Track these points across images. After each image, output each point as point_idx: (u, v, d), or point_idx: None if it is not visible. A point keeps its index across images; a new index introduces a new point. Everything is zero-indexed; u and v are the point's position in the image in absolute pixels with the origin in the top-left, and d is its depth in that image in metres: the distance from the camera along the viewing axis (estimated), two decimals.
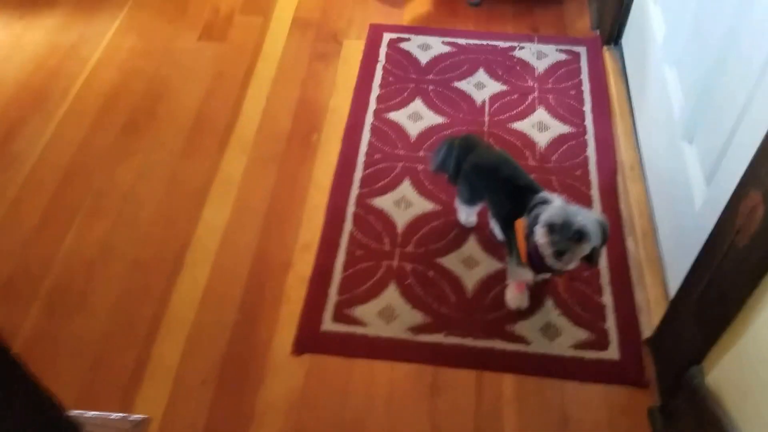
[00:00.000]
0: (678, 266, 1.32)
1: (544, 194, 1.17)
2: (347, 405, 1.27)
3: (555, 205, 1.13)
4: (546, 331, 1.36)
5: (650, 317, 1.36)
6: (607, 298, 1.41)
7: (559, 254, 1.12)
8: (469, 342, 1.35)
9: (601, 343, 1.34)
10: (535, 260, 1.19)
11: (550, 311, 1.39)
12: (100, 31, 2.10)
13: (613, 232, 1.41)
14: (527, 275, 1.29)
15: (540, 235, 1.13)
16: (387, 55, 2.01)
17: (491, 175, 1.33)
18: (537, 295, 1.41)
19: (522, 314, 1.39)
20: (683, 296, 1.14)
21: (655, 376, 1.29)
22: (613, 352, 1.33)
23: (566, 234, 1.10)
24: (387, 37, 2.07)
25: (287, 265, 1.50)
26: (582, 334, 1.35)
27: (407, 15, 2.16)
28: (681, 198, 1.31)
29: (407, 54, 2.01)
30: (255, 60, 1.99)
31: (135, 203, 1.63)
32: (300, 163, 1.71)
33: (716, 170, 1.16)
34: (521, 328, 1.37)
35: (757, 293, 0.87)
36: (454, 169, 1.41)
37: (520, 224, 1.20)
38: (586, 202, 1.60)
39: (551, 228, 1.11)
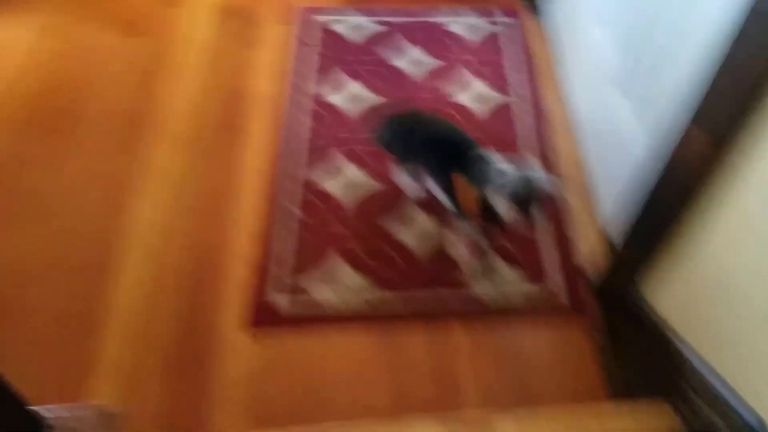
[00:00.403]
0: (612, 203, 1.60)
1: (489, 155, 1.36)
2: (307, 369, 1.44)
3: (514, 174, 1.33)
4: (490, 275, 1.60)
5: (587, 253, 1.60)
6: (546, 240, 1.65)
7: (524, 211, 1.34)
8: (418, 295, 1.54)
9: (543, 281, 1.56)
10: (480, 213, 1.41)
11: (492, 257, 1.64)
12: (20, 36, 2.23)
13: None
14: (473, 228, 1.50)
15: (503, 205, 1.34)
16: (319, 38, 2.21)
17: (427, 131, 1.53)
18: (480, 245, 1.63)
19: (468, 265, 1.60)
20: (623, 230, 1.39)
21: (595, 304, 1.53)
22: (554, 288, 1.55)
23: (527, 200, 1.33)
24: (318, 19, 2.27)
25: (231, 251, 1.65)
26: (522, 272, 1.59)
27: None
28: (616, 145, 1.55)
29: (340, 36, 2.23)
30: (181, 51, 2.15)
31: (68, 205, 1.75)
32: (235, 151, 1.87)
33: (650, 114, 1.38)
34: (468, 277, 1.59)
35: (692, 212, 1.09)
36: (399, 143, 1.61)
37: (461, 181, 1.44)
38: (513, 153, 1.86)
39: (514, 196, 1.33)
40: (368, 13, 2.29)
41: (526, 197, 1.29)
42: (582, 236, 1.63)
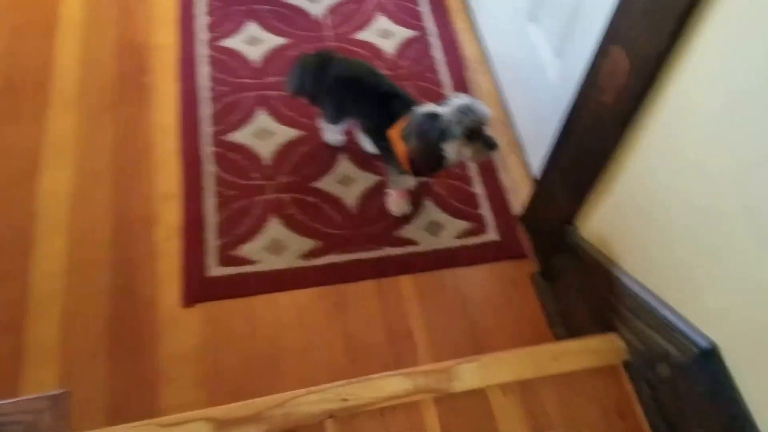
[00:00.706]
0: (538, 143, 1.64)
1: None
2: (258, 337, 1.44)
3: (423, 109, 1.33)
4: (430, 228, 1.63)
5: (518, 195, 1.67)
6: (478, 187, 1.69)
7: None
8: (362, 255, 1.56)
9: (480, 227, 1.63)
10: (416, 165, 1.41)
11: (431, 210, 1.65)
12: None
13: None
14: (410, 181, 1.52)
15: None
16: None
17: (356, 87, 1.50)
18: (415, 197, 1.66)
19: (406, 219, 1.62)
20: (550, 167, 1.44)
21: (531, 246, 1.61)
22: (492, 234, 1.63)
23: (421, 133, 1.32)
24: None
25: (152, 217, 1.59)
26: (462, 224, 1.63)
27: None
28: (534, 78, 1.60)
29: None
30: (56, 4, 1.97)
31: None
32: (136, 108, 1.77)
33: (565, 42, 1.44)
34: (408, 231, 1.61)
35: (625, 143, 1.14)
36: (313, 89, 1.54)
37: (396, 134, 1.41)
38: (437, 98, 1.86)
39: (413, 130, 1.33)
40: None
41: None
42: (511, 178, 1.70)
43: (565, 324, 1.48)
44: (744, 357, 0.97)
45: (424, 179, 1.57)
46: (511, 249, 1.59)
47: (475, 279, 1.55)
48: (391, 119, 1.42)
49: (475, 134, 1.30)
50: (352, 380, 1.18)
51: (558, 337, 1.48)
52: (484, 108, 1.30)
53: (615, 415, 1.21)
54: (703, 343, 1.04)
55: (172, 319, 1.45)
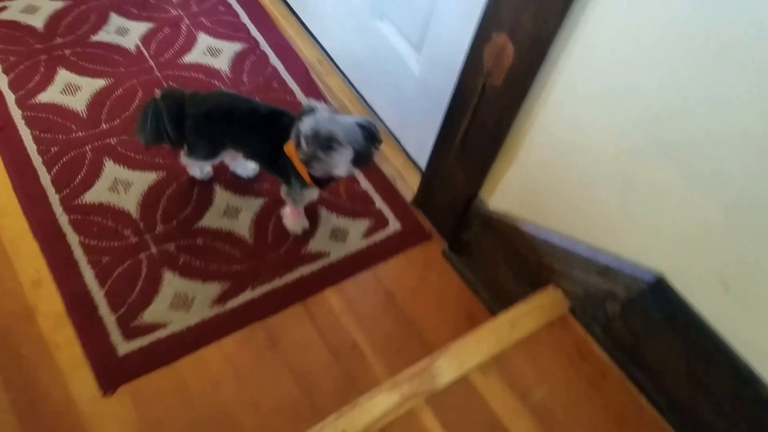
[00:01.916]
0: (410, 131, 1.65)
1: (308, 103, 1.27)
2: (197, 403, 1.30)
3: (310, 115, 1.24)
4: (335, 236, 1.57)
5: (405, 182, 1.67)
6: (365, 184, 1.67)
7: (307, 163, 1.26)
8: (276, 283, 1.47)
9: (381, 222, 1.61)
10: (319, 176, 1.34)
11: (329, 218, 1.60)
12: None
13: None
14: (313, 195, 1.44)
15: (300, 150, 1.28)
16: None
17: (228, 118, 1.38)
18: (309, 210, 1.59)
19: (308, 234, 1.55)
20: (440, 148, 1.45)
21: (433, 226, 1.62)
22: (394, 225, 1.61)
23: (318, 143, 1.23)
24: None
25: (28, 311, 1.37)
26: (364, 223, 1.60)
27: None
28: (394, 71, 1.59)
29: (14, 24, 1.84)
30: None
31: None
32: None
33: (424, 35, 1.45)
34: (314, 245, 1.54)
35: (522, 115, 1.18)
36: (175, 134, 1.40)
37: (292, 149, 1.32)
38: (295, 108, 1.80)
39: (306, 140, 1.24)
40: None
41: (316, 140, 1.23)
42: (392, 166, 1.71)
43: (489, 290, 1.52)
44: (691, 280, 1.06)
45: (319, 187, 1.50)
46: (416, 234, 1.60)
47: (393, 272, 1.54)
48: (281, 138, 1.33)
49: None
50: (341, 410, 1.12)
51: (486, 304, 1.51)
52: (350, 140, 1.25)
53: (578, 359, 1.27)
54: (649, 277, 1.12)
55: (97, 412, 1.27)
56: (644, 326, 1.17)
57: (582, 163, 1.12)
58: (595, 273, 1.21)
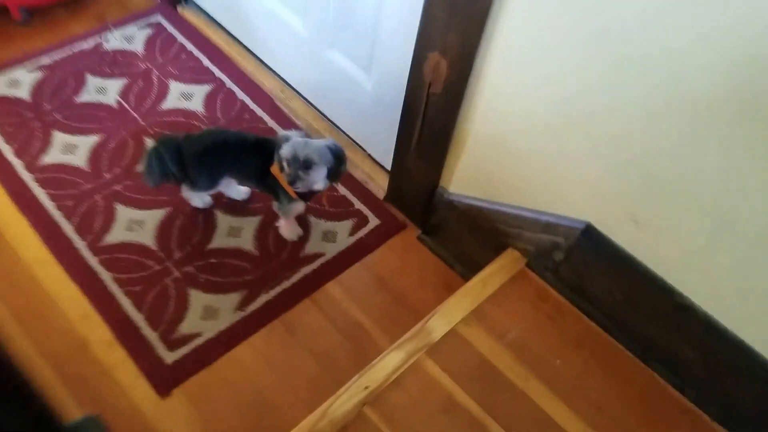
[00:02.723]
0: (372, 139, 1.98)
1: (285, 132, 1.60)
2: (241, 391, 1.59)
3: (289, 142, 1.56)
4: (327, 237, 1.89)
5: (377, 184, 2.01)
6: (344, 191, 1.99)
7: (293, 182, 1.57)
8: (286, 284, 1.78)
9: (362, 220, 1.93)
10: (302, 192, 1.66)
11: (319, 224, 1.92)
12: None
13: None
14: (300, 207, 1.76)
15: (284, 172, 1.60)
16: None
17: (224, 150, 1.68)
18: (301, 220, 1.91)
19: (303, 239, 1.86)
20: (401, 150, 1.78)
21: (405, 216, 1.96)
22: (373, 221, 1.94)
23: (297, 165, 1.55)
24: None
25: (82, 342, 1.63)
26: (348, 223, 1.92)
27: None
28: (350, 91, 1.91)
29: (4, 99, 2.07)
30: None
31: None
32: (3, 258, 1.76)
33: (371, 58, 1.78)
34: (311, 248, 1.86)
35: (463, 114, 1.51)
36: (179, 172, 1.68)
37: (277, 170, 1.64)
38: (271, 133, 2.11)
39: (287, 163, 1.57)
40: (15, 65, 2.18)
41: (294, 163, 1.54)
42: (362, 171, 2.03)
43: (461, 262, 1.85)
44: (611, 223, 1.41)
45: (305, 200, 1.81)
46: (392, 226, 1.92)
47: (379, 261, 1.86)
48: (267, 161, 1.64)
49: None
50: (362, 371, 1.43)
51: (460, 274, 1.85)
52: (323, 160, 1.57)
53: (539, 301, 1.61)
54: (580, 226, 1.47)
55: (159, 414, 1.55)
56: (584, 266, 1.52)
57: (515, 145, 1.45)
58: (540, 231, 1.56)
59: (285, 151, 1.53)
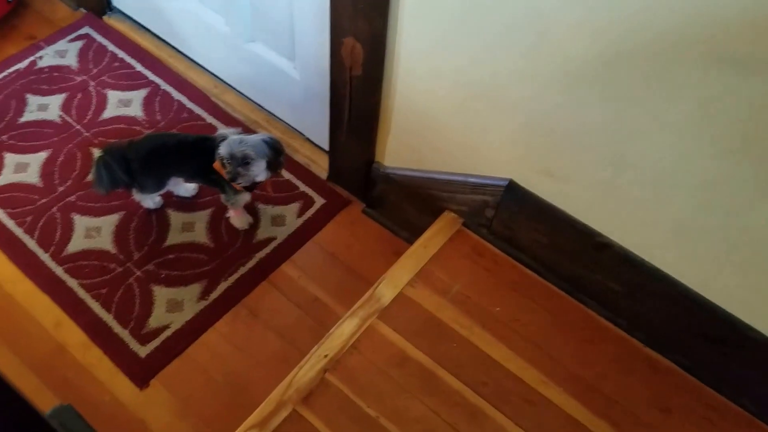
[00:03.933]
0: (306, 123, 2.09)
1: (221, 131, 1.71)
2: (214, 374, 1.71)
3: (225, 142, 1.65)
4: (276, 222, 2.01)
5: (318, 165, 2.13)
6: (288, 175, 2.11)
7: (233, 179, 1.68)
8: (242, 270, 1.89)
9: (308, 201, 2.05)
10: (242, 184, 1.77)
11: (267, 209, 2.03)
12: None
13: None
14: (246, 197, 1.87)
15: (225, 170, 1.69)
16: None
17: (166, 153, 1.77)
18: (250, 207, 2.02)
19: (254, 227, 1.98)
20: (335, 132, 1.90)
21: (349, 193, 2.09)
22: (319, 200, 2.07)
23: (236, 163, 1.65)
24: None
25: (60, 347, 1.73)
26: (295, 206, 2.04)
27: None
28: (279, 81, 2.02)
29: None
30: None
31: None
32: None
33: (293, 47, 1.89)
34: (262, 233, 1.97)
35: (384, 92, 1.63)
36: (127, 178, 1.78)
37: (219, 166, 1.75)
38: (210, 129, 2.20)
39: (227, 162, 1.67)
40: None
41: (234, 160, 1.65)
42: (303, 155, 2.15)
43: (406, 228, 1.99)
44: (530, 177, 1.55)
45: (250, 189, 1.92)
46: (337, 203, 2.05)
47: (329, 238, 1.99)
48: (209, 158, 1.74)
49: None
50: (320, 341, 1.57)
51: (406, 240, 1.99)
52: (260, 154, 1.67)
53: (476, 256, 1.75)
54: (504, 183, 1.61)
55: (141, 403, 1.66)
56: (512, 219, 1.67)
57: (434, 117, 1.58)
58: (470, 192, 1.69)
59: (222, 150, 1.64)
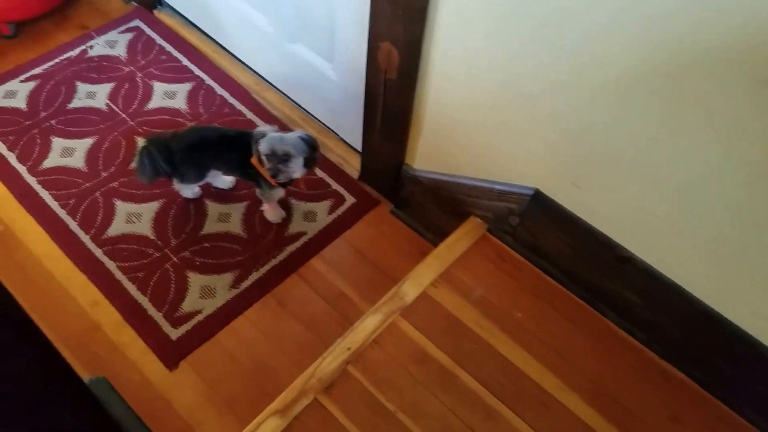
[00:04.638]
0: (342, 124, 2.14)
1: (259, 129, 1.77)
2: (241, 359, 1.77)
3: (265, 138, 1.71)
4: (307, 218, 2.06)
5: (350, 165, 2.17)
6: (321, 173, 2.16)
7: (275, 176, 1.74)
8: (273, 262, 1.95)
9: (339, 199, 2.10)
10: (278, 180, 1.82)
11: (299, 205, 2.09)
12: None
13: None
14: (280, 193, 1.92)
15: (264, 166, 1.75)
16: None
17: (208, 146, 1.83)
18: (283, 202, 2.08)
19: (286, 221, 2.03)
20: (368, 133, 1.94)
21: (378, 193, 2.13)
22: (349, 199, 2.11)
23: (276, 160, 1.71)
24: None
25: (94, 325, 1.80)
26: (326, 203, 2.09)
27: None
28: (317, 81, 2.07)
29: (2, 110, 2.21)
30: None
31: None
32: (10, 254, 1.92)
33: (332, 49, 1.94)
34: (293, 228, 2.02)
35: (418, 96, 1.66)
36: (169, 168, 1.83)
37: (256, 161, 1.80)
38: (250, 125, 2.26)
39: (267, 158, 1.73)
40: (10, 77, 2.33)
41: (274, 157, 1.70)
42: (337, 154, 2.19)
43: (431, 230, 2.02)
44: (556, 188, 1.57)
45: (285, 186, 1.98)
46: (367, 202, 2.09)
47: (357, 235, 2.03)
48: (248, 153, 1.80)
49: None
50: (344, 335, 1.61)
51: (431, 242, 2.02)
52: (299, 151, 1.72)
53: (500, 261, 1.78)
54: (530, 192, 1.63)
55: (169, 384, 1.73)
56: (536, 227, 1.70)
57: (465, 123, 1.60)
58: (496, 199, 1.73)
59: (263, 147, 1.69)
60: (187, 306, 1.83)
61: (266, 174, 1.74)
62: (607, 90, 1.26)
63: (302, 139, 1.71)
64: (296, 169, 1.73)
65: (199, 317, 1.82)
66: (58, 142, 2.14)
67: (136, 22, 2.51)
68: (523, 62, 1.36)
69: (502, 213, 1.73)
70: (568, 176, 1.51)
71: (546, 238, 1.69)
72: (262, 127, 1.75)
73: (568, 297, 1.72)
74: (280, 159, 1.68)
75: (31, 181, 2.05)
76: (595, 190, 1.48)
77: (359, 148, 2.06)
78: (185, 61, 2.40)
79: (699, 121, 1.18)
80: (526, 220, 1.69)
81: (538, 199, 1.62)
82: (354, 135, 2.08)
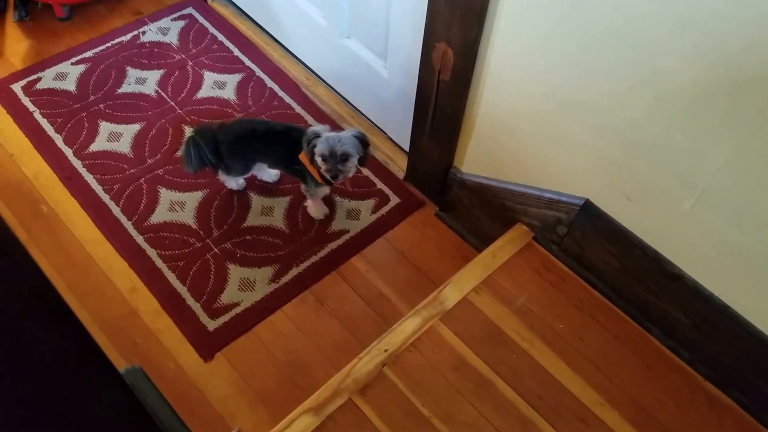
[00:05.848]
0: (391, 122, 2.18)
1: (313, 128, 1.79)
2: (276, 354, 1.82)
3: (322, 138, 1.74)
4: (351, 215, 2.10)
5: (396, 165, 2.21)
6: (366, 172, 2.20)
7: (335, 177, 1.77)
8: (314, 258, 1.99)
9: (384, 199, 2.14)
10: (325, 177, 1.86)
11: (342, 203, 2.13)
12: None
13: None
14: (326, 190, 1.97)
15: (320, 166, 1.78)
16: (33, 102, 2.29)
17: (255, 138, 1.88)
18: (327, 199, 2.12)
19: (329, 218, 2.08)
20: (417, 134, 1.98)
21: (423, 195, 2.16)
22: (394, 199, 2.15)
23: (335, 160, 1.74)
24: (16, 87, 2.34)
25: (132, 311, 1.86)
26: (370, 202, 2.13)
27: (13, 59, 2.42)
28: (368, 78, 2.11)
29: (52, 91, 2.31)
30: None
31: None
32: (53, 236, 2.00)
33: (386, 47, 1.98)
34: (336, 225, 2.07)
35: (470, 100, 1.69)
36: (215, 159, 1.89)
37: (304, 157, 1.86)
38: (298, 119, 2.32)
39: (324, 158, 1.75)
40: (60, 59, 2.41)
41: (333, 158, 1.74)
42: (383, 153, 2.23)
43: (475, 235, 2.05)
44: (607, 199, 1.58)
45: (332, 183, 2.01)
46: (411, 203, 2.13)
47: (400, 236, 2.07)
48: (295, 148, 1.85)
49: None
50: (382, 336, 1.65)
51: (474, 247, 2.05)
52: (356, 151, 1.76)
53: (544, 271, 1.80)
54: (580, 202, 1.65)
55: (203, 374, 1.78)
56: (584, 238, 1.71)
57: (517, 128, 1.63)
58: (544, 207, 1.74)
59: (321, 147, 1.73)
60: (225, 297, 1.89)
61: (314, 171, 1.79)
62: (666, 104, 1.28)
63: (356, 137, 1.76)
64: (352, 168, 1.78)
65: (237, 310, 1.87)
66: (105, 126, 2.22)
67: (190, 10, 2.58)
68: (581, 70, 1.37)
69: (549, 222, 1.74)
70: (619, 188, 1.52)
71: (593, 250, 1.70)
72: (316, 126, 1.79)
73: (613, 311, 1.72)
74: (339, 159, 1.72)
75: (77, 164, 2.13)
76: (646, 203, 1.49)
77: (406, 147, 2.09)
78: (236, 52, 2.47)
79: (754, 138, 1.18)
80: (574, 231, 1.70)
81: (587, 209, 1.63)
82: (402, 134, 2.12)
